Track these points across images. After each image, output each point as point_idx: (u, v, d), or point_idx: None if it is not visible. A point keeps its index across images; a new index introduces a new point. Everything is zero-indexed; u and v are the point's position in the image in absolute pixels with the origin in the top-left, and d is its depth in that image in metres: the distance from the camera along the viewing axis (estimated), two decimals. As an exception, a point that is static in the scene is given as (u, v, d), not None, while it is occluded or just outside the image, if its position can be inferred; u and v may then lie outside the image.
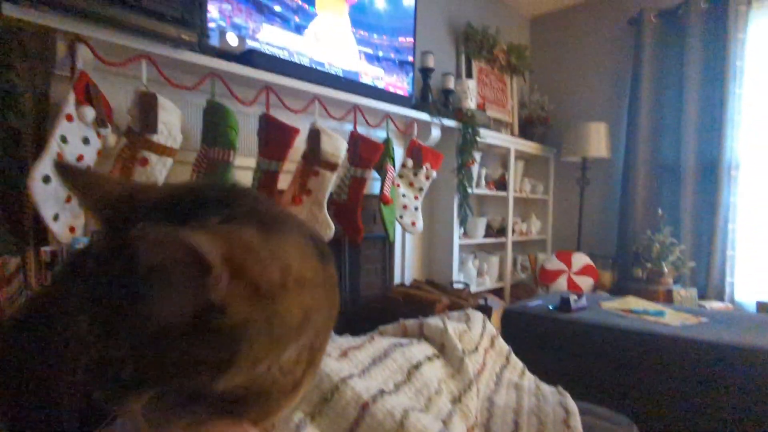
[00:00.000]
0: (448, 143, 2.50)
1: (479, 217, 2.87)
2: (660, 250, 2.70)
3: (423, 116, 2.30)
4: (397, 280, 2.49)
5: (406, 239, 2.51)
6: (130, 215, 0.34)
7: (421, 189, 2.30)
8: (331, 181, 1.79)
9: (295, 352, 0.37)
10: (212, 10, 1.57)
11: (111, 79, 1.36)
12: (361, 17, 2.10)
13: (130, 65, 1.32)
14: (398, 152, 2.27)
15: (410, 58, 2.34)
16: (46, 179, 1.10)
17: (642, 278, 2.80)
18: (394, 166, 2.13)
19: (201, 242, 0.28)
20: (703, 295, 2.71)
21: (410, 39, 2.32)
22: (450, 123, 2.45)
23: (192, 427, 0.34)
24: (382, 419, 0.77)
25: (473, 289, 2.69)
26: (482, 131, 2.56)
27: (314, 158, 1.75)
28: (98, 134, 1.25)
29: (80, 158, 1.21)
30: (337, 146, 1.78)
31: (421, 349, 1.06)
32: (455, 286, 2.53)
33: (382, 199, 2.07)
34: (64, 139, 1.16)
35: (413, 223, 2.25)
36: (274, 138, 1.62)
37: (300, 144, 1.73)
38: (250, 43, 1.67)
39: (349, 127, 1.99)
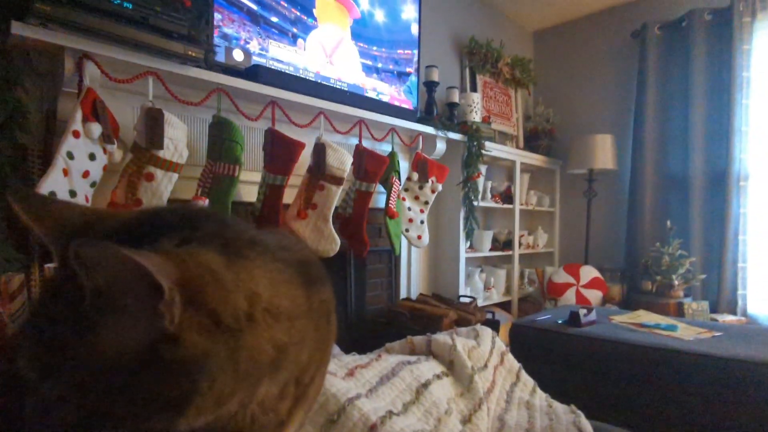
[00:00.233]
0: (453, 156, 2.50)
1: (485, 230, 2.86)
2: (669, 262, 2.66)
3: (428, 129, 2.30)
4: (403, 293, 2.46)
5: (412, 253, 2.50)
6: None
7: (426, 202, 2.29)
8: (337, 195, 1.78)
9: (275, 388, 0.34)
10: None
11: (118, 95, 1.37)
12: (362, 30, 2.11)
13: (136, 81, 1.33)
14: (404, 166, 2.27)
15: (408, 69, 2.35)
16: (52, 195, 1.10)
17: (651, 291, 2.76)
18: (399, 180, 2.13)
19: (149, 262, 0.25)
20: (714, 308, 2.66)
21: (408, 51, 2.34)
22: (455, 136, 2.45)
23: None
24: (391, 441, 0.75)
25: (480, 303, 2.66)
26: (487, 144, 2.56)
27: (319, 172, 1.75)
28: (104, 150, 1.26)
29: (86, 174, 1.21)
30: (342, 160, 1.78)
31: (429, 367, 1.04)
32: (462, 299, 2.50)
33: (387, 212, 2.06)
34: (70, 155, 1.16)
35: (419, 237, 2.24)
36: (279, 152, 1.62)
37: (305, 158, 1.73)
38: (255, 59, 1.68)
39: (354, 140, 1.99)
